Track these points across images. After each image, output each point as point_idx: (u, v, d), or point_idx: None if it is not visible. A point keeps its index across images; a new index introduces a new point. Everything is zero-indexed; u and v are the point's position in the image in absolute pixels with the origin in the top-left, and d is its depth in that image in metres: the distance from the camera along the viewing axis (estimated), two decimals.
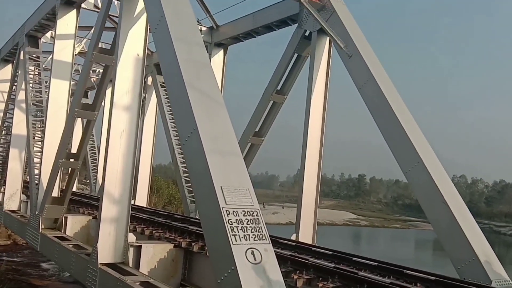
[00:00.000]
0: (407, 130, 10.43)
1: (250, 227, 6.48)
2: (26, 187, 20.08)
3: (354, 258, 9.36)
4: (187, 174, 18.32)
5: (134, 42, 10.11)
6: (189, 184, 18.05)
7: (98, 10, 15.02)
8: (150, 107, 20.70)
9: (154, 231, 12.01)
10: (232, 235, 6.17)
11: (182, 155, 18.81)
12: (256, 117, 14.35)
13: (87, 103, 12.32)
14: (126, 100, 10.00)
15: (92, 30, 15.56)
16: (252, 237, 6.33)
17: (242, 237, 6.21)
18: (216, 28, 16.50)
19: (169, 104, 20.10)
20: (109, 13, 14.22)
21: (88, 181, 32.20)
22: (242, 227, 6.38)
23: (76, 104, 11.90)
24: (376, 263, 8.91)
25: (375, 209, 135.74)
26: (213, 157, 6.71)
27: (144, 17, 10.21)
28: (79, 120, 20.14)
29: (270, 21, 14.31)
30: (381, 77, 11.10)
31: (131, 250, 9.82)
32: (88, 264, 9.81)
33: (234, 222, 6.32)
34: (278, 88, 13.92)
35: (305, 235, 12.92)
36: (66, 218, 14.09)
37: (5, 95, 21.72)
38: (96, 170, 26.46)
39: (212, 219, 6.45)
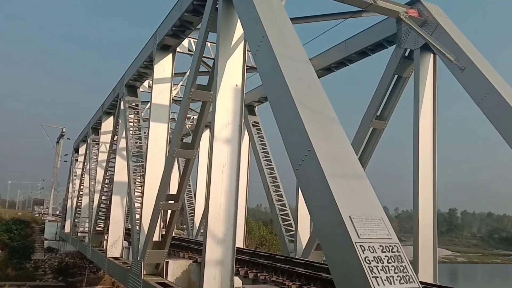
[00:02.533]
0: None
1: (392, 266, 4.96)
2: (127, 234, 19.85)
3: None
4: (284, 212, 17.07)
5: (232, 73, 9.30)
6: (287, 223, 16.70)
7: (192, 53, 14.66)
8: (242, 149, 19.81)
9: (258, 274, 10.69)
10: (373, 277, 4.68)
11: (277, 193, 17.63)
12: (355, 146, 12.83)
13: (187, 142, 11.56)
14: (227, 133, 9.08)
15: (188, 72, 15.19)
16: (397, 280, 4.80)
17: (385, 280, 4.71)
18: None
19: (262, 143, 19.24)
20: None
21: (184, 226, 31.89)
22: (382, 266, 4.88)
23: (175, 144, 11.18)
24: None
25: (471, 244, 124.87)
26: (335, 181, 5.36)
27: (241, 47, 9.43)
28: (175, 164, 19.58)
29: (364, 46, 13.16)
30: (503, 86, 9.49)
31: None
32: None
33: (372, 261, 4.85)
34: (378, 113, 12.46)
35: (425, 274, 11.01)
36: (167, 263, 13.20)
37: (108, 145, 22.11)
38: (193, 214, 25.93)
39: (342, 258, 5.02)
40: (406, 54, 11.65)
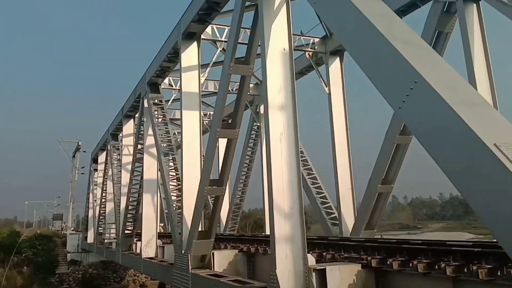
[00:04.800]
0: None
1: None
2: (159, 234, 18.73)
3: None
4: (322, 195, 15.92)
5: (278, 37, 8.32)
6: (326, 205, 15.56)
7: (216, 39, 13.67)
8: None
9: (324, 253, 9.51)
10: None
11: (311, 177, 16.44)
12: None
13: (228, 122, 10.52)
14: (280, 99, 8.05)
15: (211, 64, 14.19)
16: None
17: None
18: (330, 36, 14.42)
19: None
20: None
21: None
22: None
23: (217, 124, 10.14)
24: None
25: None
26: (462, 108, 4.30)
27: (284, 10, 8.43)
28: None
29: (395, 8, 11.79)
30: None
31: (313, 275, 7.41)
32: None
33: None
34: None
35: None
36: (212, 254, 12.10)
37: (130, 148, 21.09)
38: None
39: (500, 196, 3.84)
40: (444, 9, 10.64)
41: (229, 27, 13.62)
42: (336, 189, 13.75)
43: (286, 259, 7.52)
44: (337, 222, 14.18)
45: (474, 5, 10.18)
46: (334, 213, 14.93)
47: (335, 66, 14.52)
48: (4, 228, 50.47)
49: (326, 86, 13.98)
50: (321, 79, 14.25)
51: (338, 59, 14.59)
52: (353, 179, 13.77)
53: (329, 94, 13.92)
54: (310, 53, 14.66)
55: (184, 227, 12.12)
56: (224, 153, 10.80)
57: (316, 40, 14.69)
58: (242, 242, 14.16)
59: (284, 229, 7.63)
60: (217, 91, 19.04)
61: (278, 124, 7.94)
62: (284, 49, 8.30)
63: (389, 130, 11.85)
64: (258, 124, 19.31)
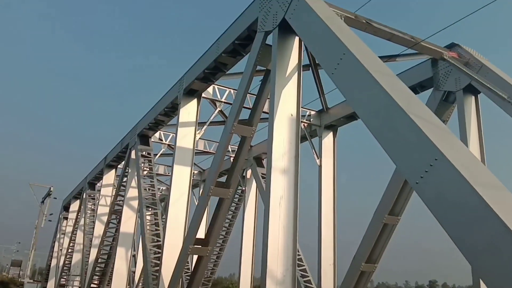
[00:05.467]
0: None
1: None
2: None
3: None
4: (302, 268, 15.48)
5: (287, 102, 8.46)
6: (306, 279, 15.11)
7: (216, 99, 13.85)
8: (250, 201, 18.49)
9: None
10: None
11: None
12: (388, 197, 11.75)
13: (221, 181, 10.37)
14: (283, 163, 8.05)
15: (208, 122, 14.25)
16: None
17: None
18: (326, 110, 14.80)
19: None
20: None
21: None
22: None
23: (211, 182, 9.99)
24: None
25: None
26: (482, 189, 4.36)
27: (295, 77, 8.66)
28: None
29: None
30: None
31: None
32: None
33: None
34: None
35: None
36: None
37: (108, 199, 20.49)
38: (188, 274, 23.76)
39: None
40: (443, 98, 11.12)
41: (230, 89, 13.96)
42: (318, 263, 13.40)
43: None
44: None
45: (473, 97, 10.61)
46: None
47: (328, 140, 14.74)
48: None
49: (318, 158, 14.12)
50: (313, 150, 14.41)
51: (331, 133, 14.86)
52: (337, 255, 13.49)
53: (320, 166, 14.02)
54: (305, 124, 14.93)
55: (161, 287, 11.50)
56: (214, 213, 10.55)
57: (312, 113, 15.03)
58: None
59: None
60: (207, 150, 19.15)
61: (279, 187, 7.87)
62: (292, 115, 8.44)
63: (378, 209, 11.83)
64: (243, 188, 19.14)
